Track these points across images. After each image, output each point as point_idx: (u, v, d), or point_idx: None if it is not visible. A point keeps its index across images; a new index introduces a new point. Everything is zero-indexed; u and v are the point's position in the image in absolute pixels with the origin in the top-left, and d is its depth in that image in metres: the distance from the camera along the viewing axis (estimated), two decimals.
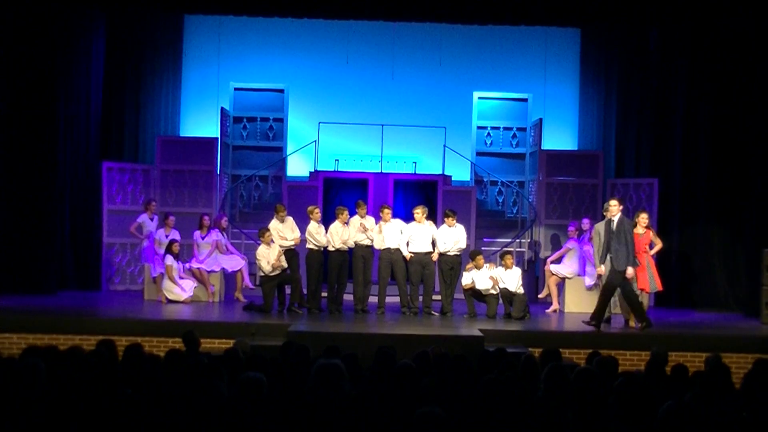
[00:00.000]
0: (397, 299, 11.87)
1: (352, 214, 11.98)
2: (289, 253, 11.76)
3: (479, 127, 15.84)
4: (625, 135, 14.90)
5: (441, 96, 15.97)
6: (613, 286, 10.42)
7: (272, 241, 11.67)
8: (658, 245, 11.03)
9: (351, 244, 11.76)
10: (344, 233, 11.70)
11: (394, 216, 12.32)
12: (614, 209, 10.35)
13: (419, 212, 11.78)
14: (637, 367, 8.80)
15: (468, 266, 11.84)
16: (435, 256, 11.77)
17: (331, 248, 11.71)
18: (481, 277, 11.68)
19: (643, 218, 10.89)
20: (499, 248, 13.80)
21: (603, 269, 10.67)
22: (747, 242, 12.41)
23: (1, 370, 5.35)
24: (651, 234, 10.94)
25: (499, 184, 15.71)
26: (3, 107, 12.41)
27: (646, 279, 10.66)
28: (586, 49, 15.64)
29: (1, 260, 11.74)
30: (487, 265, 11.97)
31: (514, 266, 11.97)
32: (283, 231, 11.82)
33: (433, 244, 11.81)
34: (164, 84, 15.34)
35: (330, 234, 11.71)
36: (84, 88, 13.91)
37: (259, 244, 11.74)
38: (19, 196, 12.62)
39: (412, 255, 11.70)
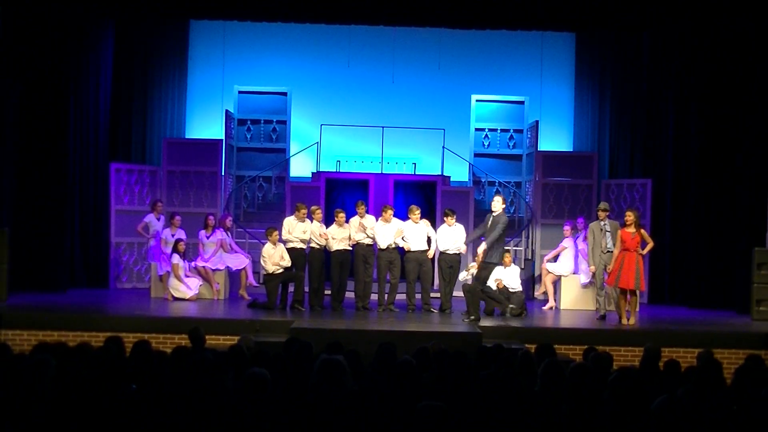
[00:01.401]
0: (400, 297, 12.02)
1: (352, 214, 12.08)
2: (296, 252, 11.75)
3: (477, 129, 16.00)
4: (618, 137, 15.04)
5: (440, 99, 16.09)
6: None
7: (279, 240, 11.76)
8: (650, 244, 10.98)
9: (344, 243, 11.82)
10: (340, 233, 11.79)
11: (395, 215, 12.53)
12: (495, 204, 10.90)
13: (415, 213, 11.96)
14: (631, 363, 8.90)
15: (471, 266, 11.86)
16: (430, 254, 11.94)
17: (331, 245, 11.78)
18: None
19: (628, 216, 10.79)
20: None
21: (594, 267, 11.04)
22: (738, 241, 12.44)
23: (12, 365, 5.49)
24: (642, 233, 10.88)
25: (496, 184, 15.84)
26: (16, 111, 12.54)
27: (632, 278, 10.65)
28: (581, 53, 15.79)
29: (13, 259, 11.77)
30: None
31: (512, 264, 12.13)
32: (294, 228, 11.79)
33: (428, 242, 11.97)
34: (170, 87, 15.45)
35: (328, 235, 11.78)
36: (93, 91, 14.01)
37: (265, 243, 11.89)
38: (31, 197, 12.75)
39: (409, 248, 11.83)
